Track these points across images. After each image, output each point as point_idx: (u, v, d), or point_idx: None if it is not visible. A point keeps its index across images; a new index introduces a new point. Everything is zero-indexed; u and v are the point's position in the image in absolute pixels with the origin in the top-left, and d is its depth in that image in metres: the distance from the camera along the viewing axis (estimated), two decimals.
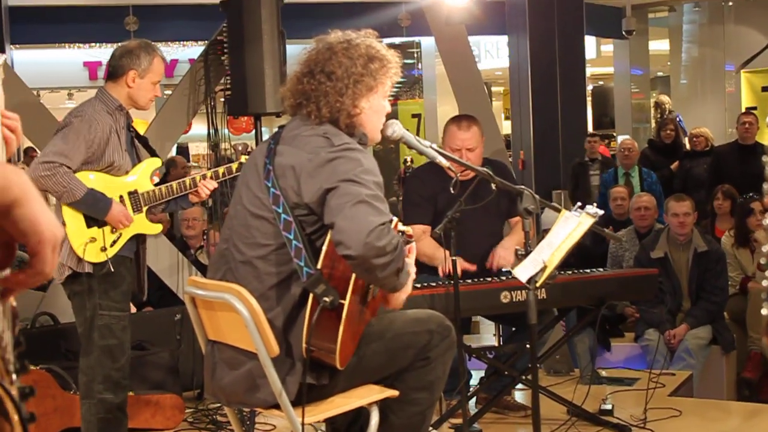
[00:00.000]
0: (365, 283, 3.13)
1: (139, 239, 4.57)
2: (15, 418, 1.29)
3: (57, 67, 14.34)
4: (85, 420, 4.40)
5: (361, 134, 3.25)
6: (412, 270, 3.35)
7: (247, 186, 3.24)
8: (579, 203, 3.88)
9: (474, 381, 5.81)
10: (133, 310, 6.14)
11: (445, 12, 7.07)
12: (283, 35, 6.35)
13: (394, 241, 2.89)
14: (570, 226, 3.63)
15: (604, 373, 6.45)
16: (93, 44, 13.53)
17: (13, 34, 10.67)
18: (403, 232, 3.31)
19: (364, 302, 3.19)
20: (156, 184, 4.58)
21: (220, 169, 4.66)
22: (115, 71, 4.47)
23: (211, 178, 4.62)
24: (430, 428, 4.73)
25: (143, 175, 4.54)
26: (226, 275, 3.22)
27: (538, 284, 3.59)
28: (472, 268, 5.07)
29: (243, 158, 4.56)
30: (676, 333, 6.61)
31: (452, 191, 3.61)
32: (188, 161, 15.14)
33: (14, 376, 1.39)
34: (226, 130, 6.99)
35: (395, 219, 3.26)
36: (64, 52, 14.19)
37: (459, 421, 4.76)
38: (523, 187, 3.81)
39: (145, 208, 4.50)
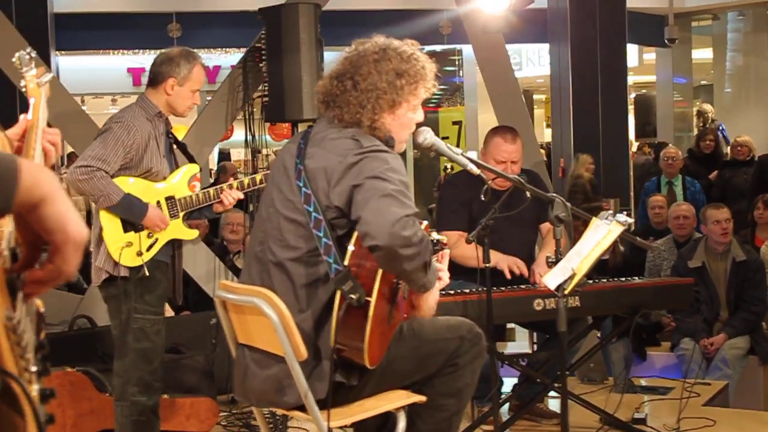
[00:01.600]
0: (393, 281, 3.15)
1: (175, 244, 4.60)
2: (29, 415, 1.32)
3: (101, 74, 14.47)
4: (118, 422, 4.46)
5: (389, 137, 3.26)
6: (445, 276, 3.37)
7: (278, 188, 3.26)
8: (610, 211, 3.88)
9: (507, 388, 5.81)
10: (171, 313, 6.20)
11: (482, 20, 7.07)
12: (321, 43, 6.39)
13: (420, 234, 2.91)
14: (600, 234, 3.63)
15: (642, 381, 6.43)
16: (137, 51, 13.66)
17: (59, 40, 10.80)
18: (437, 240, 3.33)
19: (392, 302, 3.20)
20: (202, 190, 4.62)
21: (245, 180, 4.68)
22: (155, 78, 4.52)
23: (237, 188, 4.63)
24: None
25: (181, 181, 4.58)
26: (261, 275, 3.25)
27: (566, 292, 3.59)
28: (525, 271, 5.10)
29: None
30: (714, 342, 6.56)
31: (483, 198, 3.62)
32: None
33: (35, 378, 1.41)
34: (268, 136, 7.03)
35: (426, 222, 3.28)
36: (109, 58, 14.33)
37: (491, 427, 4.78)
38: (554, 195, 3.81)
39: (182, 214, 4.54)
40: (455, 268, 5.27)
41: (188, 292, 7.08)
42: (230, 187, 4.62)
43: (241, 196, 4.66)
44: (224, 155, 16.83)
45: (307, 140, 3.27)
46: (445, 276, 3.39)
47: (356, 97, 3.20)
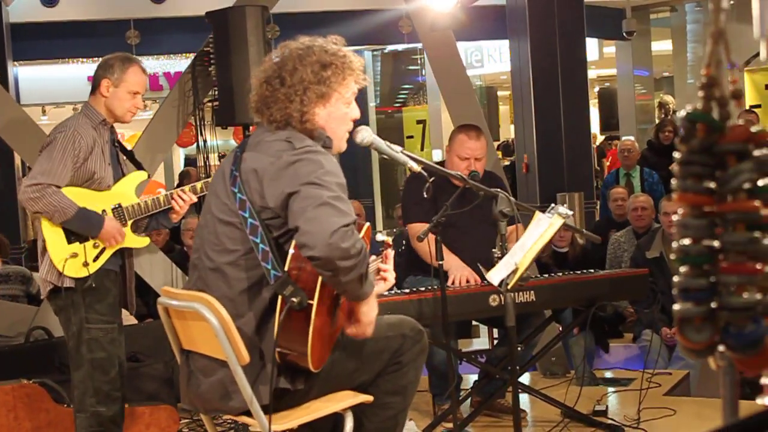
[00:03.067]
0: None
1: (125, 253, 4.56)
2: None
3: (61, 83, 14.36)
4: None
5: (325, 137, 3.25)
6: (390, 276, 3.36)
7: (215, 194, 3.25)
8: (552, 204, 3.88)
9: (469, 384, 5.81)
10: (133, 321, 6.16)
11: (430, 18, 7.05)
12: (270, 45, 6.37)
13: (359, 246, 2.90)
14: (542, 227, 3.63)
15: (606, 374, 6.45)
16: (96, 58, 13.55)
17: (16, 50, 10.74)
18: (382, 241, 3.32)
19: (335, 305, 3.19)
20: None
21: (198, 184, 4.64)
22: (93, 83, 4.50)
23: (190, 191, 4.58)
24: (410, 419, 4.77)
25: (127, 189, 4.53)
26: (197, 283, 3.23)
27: (509, 287, 3.59)
28: (476, 278, 5.09)
29: None
30: (675, 331, 6.57)
31: (425, 195, 3.62)
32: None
33: None
34: (233, 140, 6.99)
35: (368, 224, 3.27)
36: (68, 67, 14.23)
37: (451, 425, 4.76)
38: (497, 190, 3.83)
39: (130, 222, 4.49)
40: (413, 264, 5.29)
41: (151, 300, 7.06)
42: (182, 191, 4.58)
43: (195, 199, 4.59)
44: (190, 161, 16.76)
45: (244, 147, 3.26)
46: (391, 277, 3.38)
47: (284, 93, 3.19)
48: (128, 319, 5.37)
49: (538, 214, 3.72)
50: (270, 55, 3.35)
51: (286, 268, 3.01)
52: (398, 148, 3.61)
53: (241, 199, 3.09)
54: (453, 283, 5.05)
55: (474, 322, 7.20)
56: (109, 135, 4.51)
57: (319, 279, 3.00)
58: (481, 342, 7.57)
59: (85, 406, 4.37)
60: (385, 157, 3.60)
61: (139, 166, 4.70)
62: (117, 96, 4.46)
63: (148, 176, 4.68)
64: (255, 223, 3.05)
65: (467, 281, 5.06)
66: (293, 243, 3.02)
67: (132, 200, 4.52)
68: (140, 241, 4.59)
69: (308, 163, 3.01)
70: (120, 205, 4.48)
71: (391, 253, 3.41)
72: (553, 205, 3.86)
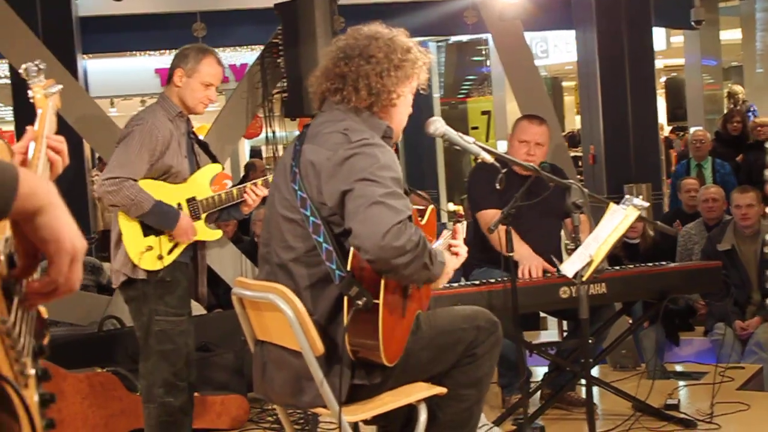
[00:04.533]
0: None
1: (197, 245, 4.58)
2: (23, 420, 1.32)
3: (129, 75, 14.53)
4: (147, 424, 4.43)
5: (386, 127, 3.23)
6: (462, 251, 3.34)
7: (278, 188, 3.24)
8: (627, 195, 3.84)
9: (539, 377, 5.78)
10: (203, 311, 6.20)
11: (499, 8, 7.01)
12: (337, 35, 6.37)
13: (415, 238, 2.85)
14: (617, 219, 3.59)
15: (677, 367, 6.38)
16: (163, 51, 13.71)
17: (85, 44, 10.87)
18: (453, 212, 3.30)
19: (404, 295, 3.17)
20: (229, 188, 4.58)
21: (270, 177, 4.62)
22: (168, 73, 4.50)
23: (262, 185, 4.56)
24: (492, 425, 4.75)
25: (202, 182, 4.53)
26: (269, 276, 3.23)
27: (584, 278, 3.56)
28: (548, 268, 5.05)
29: None
30: (749, 325, 6.49)
31: (498, 187, 3.58)
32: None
33: (33, 382, 1.42)
34: (289, 132, 7.02)
35: (431, 207, 3.25)
36: (136, 59, 14.40)
37: (522, 417, 4.74)
38: (571, 181, 3.78)
39: (203, 215, 4.50)
40: (480, 255, 5.26)
41: (220, 291, 7.11)
42: (254, 185, 4.57)
43: (266, 193, 4.52)
44: (255, 152, 16.85)
45: (303, 139, 3.22)
46: (462, 251, 3.36)
47: (373, 68, 3.15)
48: (198, 309, 5.41)
49: (612, 206, 3.68)
50: (339, 38, 3.33)
51: (348, 267, 2.99)
52: (470, 139, 3.59)
53: (302, 196, 3.07)
54: (523, 273, 5.01)
55: (542, 314, 7.16)
56: (185, 127, 4.51)
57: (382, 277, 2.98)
58: (548, 334, 7.53)
59: (153, 396, 4.40)
60: (457, 147, 3.58)
61: (213, 159, 4.69)
62: (189, 86, 4.44)
63: (222, 168, 4.67)
64: (317, 222, 3.03)
65: (538, 272, 5.02)
66: None
67: (206, 193, 4.51)
68: (213, 234, 4.59)
69: (364, 158, 2.97)
70: (195, 198, 4.48)
71: (460, 227, 3.37)
72: (627, 196, 3.82)
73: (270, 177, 4.57)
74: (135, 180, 4.25)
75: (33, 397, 1.39)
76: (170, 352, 4.39)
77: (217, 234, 4.63)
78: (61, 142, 1.98)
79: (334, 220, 3.04)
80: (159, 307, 4.35)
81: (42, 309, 1.56)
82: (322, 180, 3.03)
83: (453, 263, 3.31)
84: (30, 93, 2.20)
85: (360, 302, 2.94)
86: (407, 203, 2.95)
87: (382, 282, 2.96)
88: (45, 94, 2.16)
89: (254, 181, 4.60)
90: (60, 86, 2.22)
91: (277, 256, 3.19)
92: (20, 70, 2.25)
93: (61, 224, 1.40)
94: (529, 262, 5.05)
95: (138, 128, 4.31)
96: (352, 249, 2.97)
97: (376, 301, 2.96)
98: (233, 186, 4.60)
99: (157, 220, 4.31)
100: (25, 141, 1.94)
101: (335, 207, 3.00)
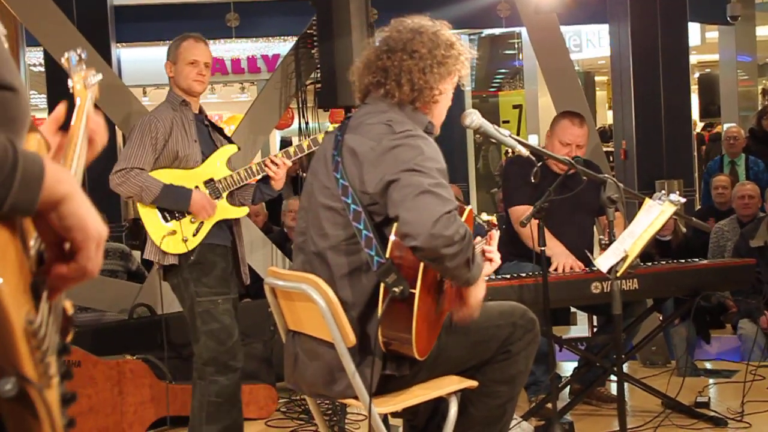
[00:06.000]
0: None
1: (233, 227, 4.65)
2: (44, 420, 1.32)
3: (162, 64, 14.55)
4: (195, 399, 4.52)
5: (428, 122, 3.22)
6: (496, 257, 3.32)
7: (316, 177, 3.22)
8: (663, 191, 3.81)
9: (567, 372, 5.76)
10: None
11: (534, 1, 6.97)
12: (373, 27, 6.37)
13: (462, 231, 2.83)
14: (652, 214, 3.57)
15: (707, 365, 6.34)
16: None
17: (119, 33, 10.92)
18: (487, 222, 3.29)
19: (439, 291, 3.17)
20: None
21: (291, 149, 4.68)
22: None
23: (283, 156, 4.64)
24: (521, 419, 4.73)
25: (218, 163, 4.62)
26: (304, 266, 3.23)
27: (619, 274, 3.54)
28: (580, 266, 5.03)
29: (320, 136, 4.57)
30: None
31: (533, 180, 3.57)
32: None
33: (56, 382, 1.42)
34: (320, 123, 7.02)
35: (469, 208, 3.23)
36: None
37: (549, 412, 4.72)
38: (606, 176, 3.76)
39: (224, 194, 4.59)
40: (511, 248, 5.25)
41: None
42: (274, 156, 4.64)
43: (289, 163, 4.64)
44: (286, 143, 16.88)
45: (344, 130, 3.21)
46: (497, 257, 3.34)
47: (416, 64, 3.13)
48: None
49: (648, 201, 3.65)
50: (382, 29, 3.32)
51: (387, 255, 2.98)
52: (506, 132, 3.57)
53: (344, 185, 3.05)
54: (556, 269, 4.99)
55: (572, 309, 7.13)
56: (192, 114, 4.61)
57: (421, 266, 2.94)
58: (577, 329, 7.50)
59: (204, 374, 4.50)
60: (492, 140, 3.57)
61: (228, 140, 4.78)
62: (178, 71, 4.62)
63: (238, 148, 4.73)
64: (358, 210, 3.01)
65: (571, 268, 5.00)
66: (393, 229, 2.97)
67: (223, 173, 4.60)
68: (238, 212, 4.67)
69: (408, 149, 2.96)
70: (212, 180, 4.57)
71: (496, 234, 3.37)
72: (663, 191, 3.78)
73: (291, 149, 4.64)
74: (142, 169, 4.39)
75: (55, 396, 1.39)
76: (217, 330, 4.48)
77: (243, 211, 4.71)
78: (99, 123, 1.97)
79: (375, 209, 3.03)
80: (199, 289, 4.47)
81: (67, 305, 1.56)
82: (364, 169, 3.02)
83: (487, 269, 3.28)
84: (70, 83, 2.19)
85: (397, 290, 2.91)
86: (453, 195, 2.93)
87: (420, 273, 2.94)
88: (85, 85, 2.15)
89: (273, 155, 4.67)
90: (100, 76, 2.21)
91: (314, 244, 3.18)
92: (62, 59, 2.24)
93: (85, 211, 1.41)
94: (562, 260, 5.03)
95: (138, 122, 4.52)
96: (391, 237, 2.96)
97: (413, 290, 2.93)
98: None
99: (170, 202, 4.44)
100: (53, 122, 1.93)
101: (377, 195, 2.98)
